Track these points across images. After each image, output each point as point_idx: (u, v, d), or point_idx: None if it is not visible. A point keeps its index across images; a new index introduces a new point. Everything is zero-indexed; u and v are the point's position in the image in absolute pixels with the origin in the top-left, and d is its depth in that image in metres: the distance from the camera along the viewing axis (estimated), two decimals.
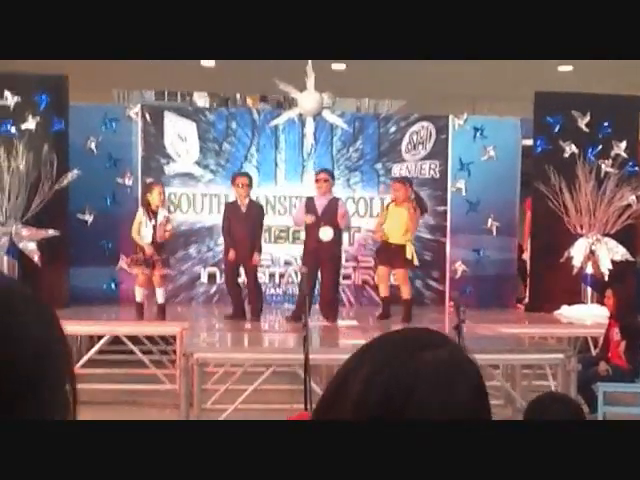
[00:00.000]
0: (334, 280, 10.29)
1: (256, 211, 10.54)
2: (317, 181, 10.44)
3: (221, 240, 11.12)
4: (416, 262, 10.46)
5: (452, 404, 1.21)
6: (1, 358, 1.03)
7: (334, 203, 10.32)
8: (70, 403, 1.13)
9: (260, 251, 10.56)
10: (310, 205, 10.31)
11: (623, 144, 11.94)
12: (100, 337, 9.87)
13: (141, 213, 10.01)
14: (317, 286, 10.26)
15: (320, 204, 10.25)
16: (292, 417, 3.04)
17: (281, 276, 12.43)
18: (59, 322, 1.14)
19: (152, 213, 9.96)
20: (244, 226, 10.28)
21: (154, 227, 9.90)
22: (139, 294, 10.08)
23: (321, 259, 9.99)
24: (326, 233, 10.00)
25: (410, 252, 10.24)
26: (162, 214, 10.06)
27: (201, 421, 4.92)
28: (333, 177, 10.74)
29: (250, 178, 10.68)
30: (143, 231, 9.90)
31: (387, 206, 10.75)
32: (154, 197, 10.01)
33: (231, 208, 10.59)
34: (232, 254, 10.25)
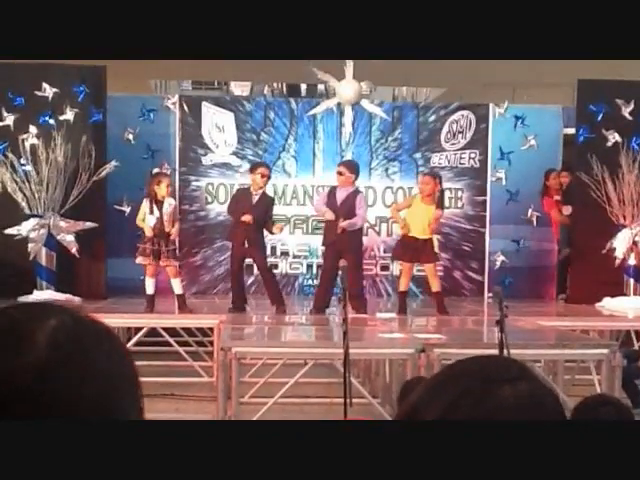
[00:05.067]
0: (357, 271, 10.02)
1: (267, 203, 10.19)
2: (338, 173, 10.23)
3: None
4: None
5: None
6: (72, 392, 1.03)
7: (353, 196, 10.07)
8: None
9: (264, 247, 10.41)
10: (331, 196, 10.16)
11: None
12: (137, 329, 9.85)
13: (144, 204, 9.81)
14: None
15: (340, 196, 10.05)
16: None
17: (319, 267, 12.32)
18: (131, 357, 1.14)
19: (158, 203, 9.76)
20: (252, 216, 9.89)
21: (159, 217, 9.73)
22: (149, 286, 9.85)
23: (342, 251, 9.81)
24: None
25: (436, 246, 10.27)
26: (168, 203, 9.86)
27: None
28: (353, 170, 10.24)
29: (270, 170, 10.51)
30: (147, 221, 9.73)
31: (413, 197, 10.67)
32: (162, 189, 9.76)
33: (242, 195, 10.34)
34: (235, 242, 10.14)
